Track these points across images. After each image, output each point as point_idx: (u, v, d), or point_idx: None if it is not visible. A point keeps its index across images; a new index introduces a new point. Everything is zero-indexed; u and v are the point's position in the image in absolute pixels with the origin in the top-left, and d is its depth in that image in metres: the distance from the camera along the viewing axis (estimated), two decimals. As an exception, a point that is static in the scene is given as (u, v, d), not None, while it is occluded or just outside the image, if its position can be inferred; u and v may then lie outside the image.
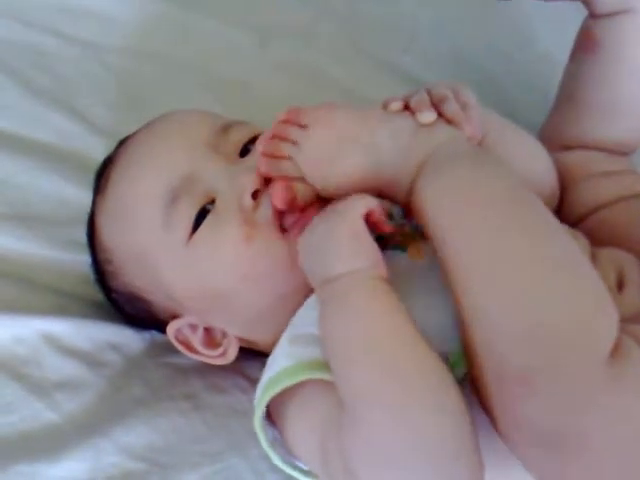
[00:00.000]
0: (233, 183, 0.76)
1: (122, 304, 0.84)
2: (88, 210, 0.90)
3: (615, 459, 0.58)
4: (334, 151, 0.72)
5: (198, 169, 0.77)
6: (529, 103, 1.06)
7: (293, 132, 0.74)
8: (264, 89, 1.06)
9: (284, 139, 0.74)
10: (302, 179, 0.74)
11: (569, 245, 0.65)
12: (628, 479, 0.59)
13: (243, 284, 0.76)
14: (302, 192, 0.74)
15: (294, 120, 0.74)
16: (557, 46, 1.07)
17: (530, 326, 0.60)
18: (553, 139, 0.87)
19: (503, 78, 1.09)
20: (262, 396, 0.69)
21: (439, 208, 0.66)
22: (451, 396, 0.61)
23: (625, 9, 0.86)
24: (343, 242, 0.66)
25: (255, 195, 0.76)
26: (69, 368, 0.81)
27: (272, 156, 0.74)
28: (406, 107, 0.74)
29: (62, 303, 0.86)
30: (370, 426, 0.61)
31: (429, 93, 0.75)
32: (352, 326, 0.64)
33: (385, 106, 0.75)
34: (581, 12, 0.94)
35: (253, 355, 0.83)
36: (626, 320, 0.63)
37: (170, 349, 0.83)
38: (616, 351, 0.60)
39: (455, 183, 0.67)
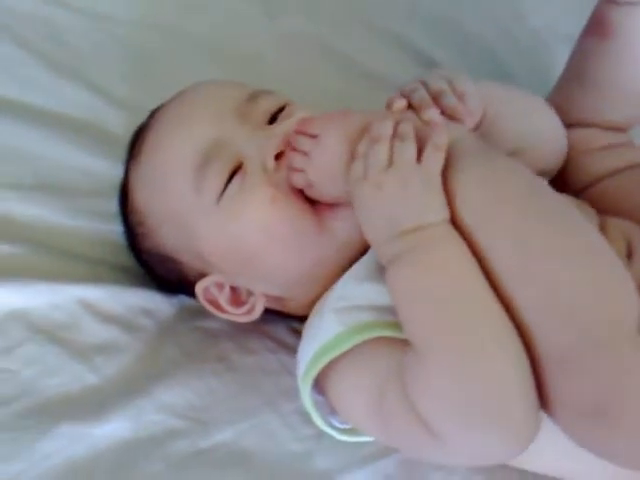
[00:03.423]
0: (260, 147, 0.80)
1: (153, 265, 0.87)
2: (111, 181, 0.93)
3: None
4: (345, 162, 0.75)
5: (227, 135, 0.81)
6: (527, 74, 1.10)
7: (305, 143, 0.77)
8: (273, 61, 1.09)
9: (296, 150, 0.78)
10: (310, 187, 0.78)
11: (591, 231, 0.70)
12: None
13: (271, 245, 0.79)
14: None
15: (305, 131, 0.78)
16: (550, 21, 1.13)
17: (565, 309, 0.66)
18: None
19: (502, 49, 1.13)
20: (314, 363, 0.73)
21: (465, 205, 0.70)
22: (519, 344, 0.66)
23: None
24: (438, 191, 0.70)
25: (278, 157, 0.79)
26: (106, 332, 0.85)
27: (290, 169, 0.78)
28: (409, 105, 0.78)
29: (94, 271, 0.90)
30: (449, 367, 0.66)
31: (426, 87, 0.79)
32: (449, 270, 0.68)
33: (389, 105, 0.79)
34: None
35: (277, 317, 0.87)
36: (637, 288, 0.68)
37: (199, 314, 0.87)
38: None
39: (475, 180, 0.71)
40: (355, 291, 0.76)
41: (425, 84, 0.80)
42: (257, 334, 0.87)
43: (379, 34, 1.13)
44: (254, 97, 0.84)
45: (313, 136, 0.77)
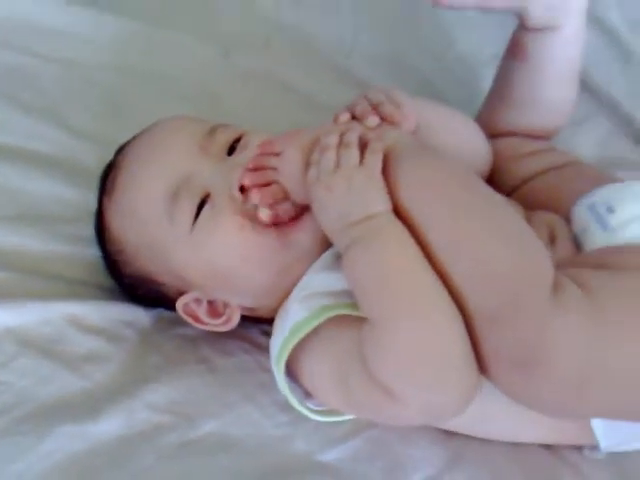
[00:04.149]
0: (224, 179, 0.89)
1: (134, 287, 0.95)
2: (85, 208, 1.02)
3: (574, 370, 0.74)
4: (303, 170, 0.85)
5: (193, 169, 0.90)
6: (458, 97, 1.22)
7: (271, 160, 0.88)
8: (230, 97, 1.19)
9: (266, 168, 0.88)
10: (287, 196, 0.87)
11: (510, 211, 0.82)
12: (585, 382, 0.74)
13: (244, 265, 0.89)
14: (286, 209, 0.88)
15: (269, 151, 0.88)
16: (476, 47, 1.25)
17: (494, 277, 0.76)
18: (484, 129, 1.01)
19: (434, 76, 1.25)
20: (284, 347, 0.82)
21: (404, 195, 0.81)
22: (455, 310, 0.76)
23: (553, 26, 1.01)
24: (379, 186, 0.80)
25: (242, 189, 0.89)
26: (92, 344, 0.92)
27: (261, 185, 0.88)
28: (353, 117, 0.89)
29: (75, 289, 0.97)
30: (401, 334, 0.75)
31: (368, 100, 0.90)
32: (394, 252, 0.78)
33: (336, 119, 0.90)
34: (494, 16, 1.11)
35: (251, 321, 0.96)
36: (559, 266, 0.79)
37: (176, 322, 0.95)
38: (556, 286, 0.76)
39: (412, 174, 0.82)
40: (314, 281, 0.85)
41: (366, 97, 0.91)
42: (232, 338, 0.95)
43: (326, 68, 1.24)
44: (212, 130, 0.93)
45: (277, 154, 0.87)
